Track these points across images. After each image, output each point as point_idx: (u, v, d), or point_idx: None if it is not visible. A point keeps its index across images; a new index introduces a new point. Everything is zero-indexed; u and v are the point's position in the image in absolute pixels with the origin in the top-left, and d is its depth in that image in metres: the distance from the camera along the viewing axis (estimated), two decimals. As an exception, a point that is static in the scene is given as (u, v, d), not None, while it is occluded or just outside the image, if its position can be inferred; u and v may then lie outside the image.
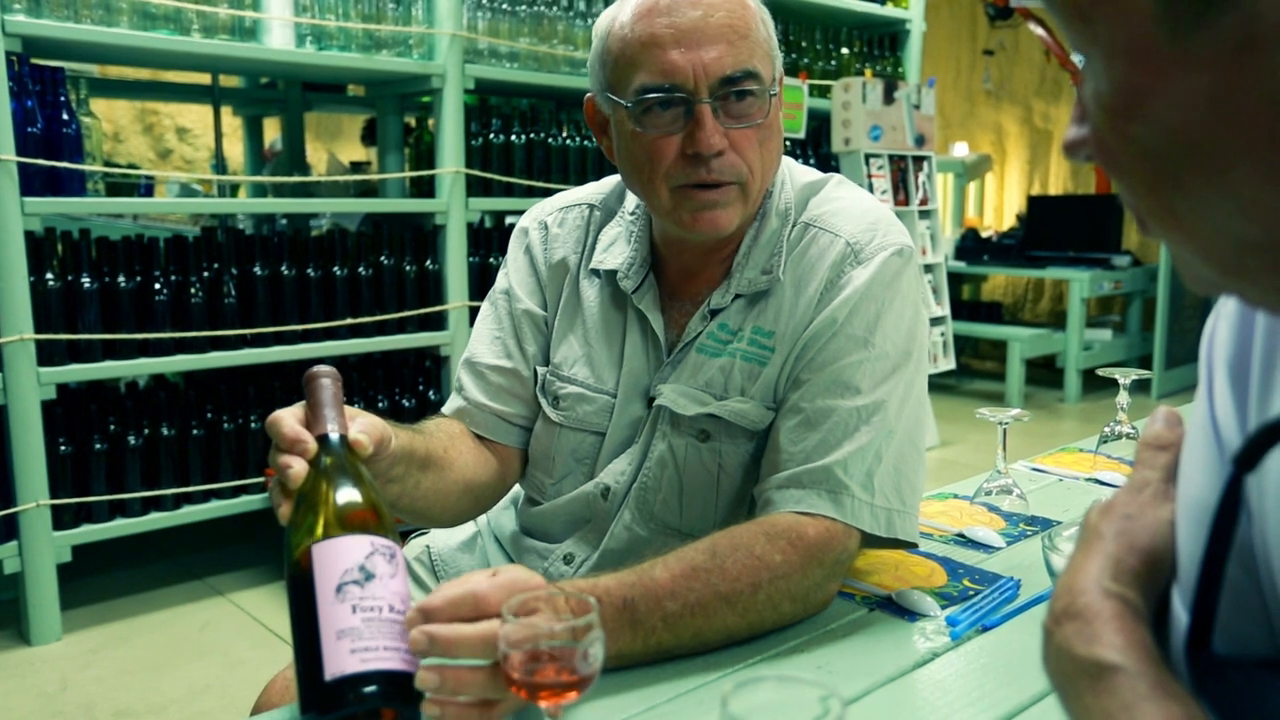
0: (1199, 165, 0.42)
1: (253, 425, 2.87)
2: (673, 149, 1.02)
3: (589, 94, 1.11)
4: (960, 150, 7.18)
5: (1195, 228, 0.44)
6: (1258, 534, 0.51)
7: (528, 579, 0.77)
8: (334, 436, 0.82)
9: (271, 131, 5.12)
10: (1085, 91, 0.46)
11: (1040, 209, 6.27)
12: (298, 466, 0.79)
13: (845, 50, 4.39)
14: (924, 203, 4.42)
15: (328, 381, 0.84)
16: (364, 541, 0.74)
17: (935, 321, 4.46)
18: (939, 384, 5.68)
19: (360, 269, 2.95)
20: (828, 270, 1.07)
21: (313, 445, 0.80)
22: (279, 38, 2.79)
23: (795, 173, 1.16)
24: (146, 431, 2.71)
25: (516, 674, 0.65)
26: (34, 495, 2.46)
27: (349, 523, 0.75)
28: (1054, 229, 6.03)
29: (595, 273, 1.18)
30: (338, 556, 0.73)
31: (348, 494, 0.78)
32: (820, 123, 4.29)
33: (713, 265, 1.13)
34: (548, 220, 1.23)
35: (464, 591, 0.73)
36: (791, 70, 4.11)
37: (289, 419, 0.82)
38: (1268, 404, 0.51)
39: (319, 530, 0.75)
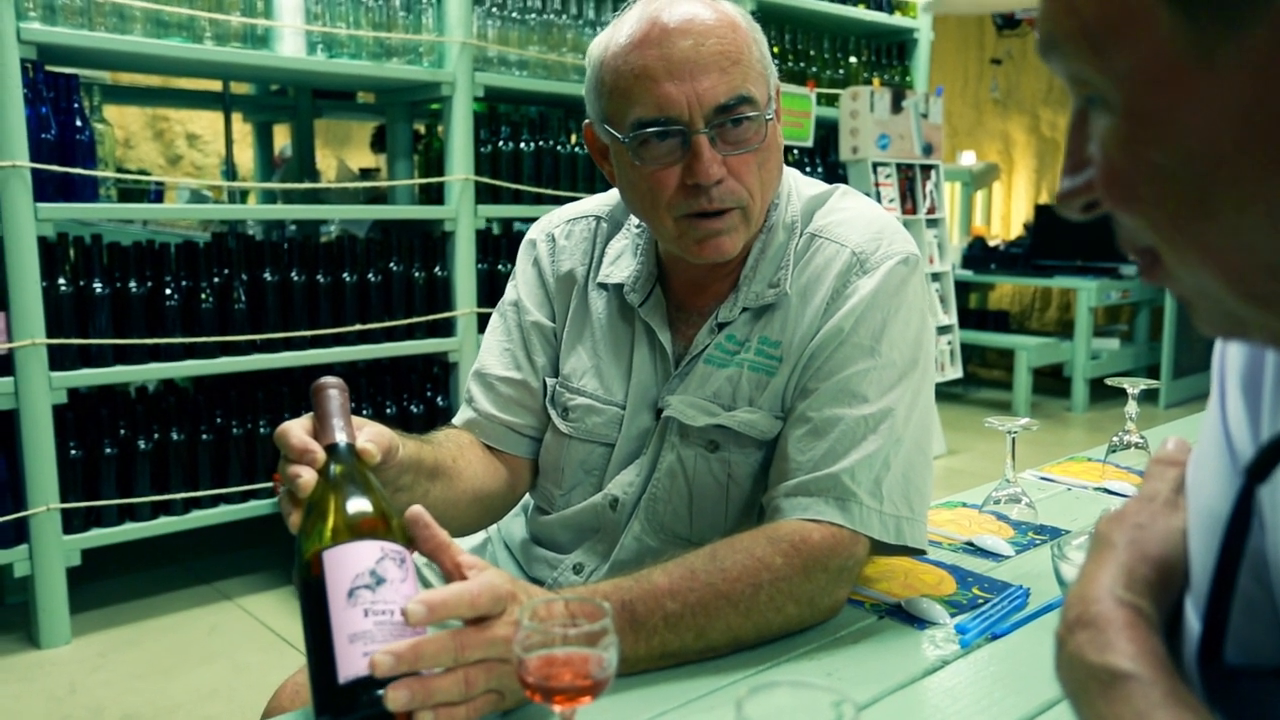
0: (1228, 185, 0.41)
1: (262, 430, 2.88)
2: (673, 180, 1.03)
3: (587, 121, 1.12)
4: (968, 159, 7.18)
5: (1222, 254, 0.43)
6: (1270, 544, 0.51)
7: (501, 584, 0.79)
8: (342, 445, 0.83)
9: (281, 138, 5.15)
10: (1093, 133, 0.45)
11: (1047, 218, 6.26)
12: (307, 475, 0.80)
13: (853, 59, 4.40)
14: (931, 211, 4.42)
15: (335, 392, 0.85)
16: (374, 546, 0.75)
17: (942, 330, 4.46)
18: (946, 393, 5.67)
19: (369, 275, 2.96)
20: (834, 280, 1.07)
21: (321, 454, 0.81)
22: (290, 45, 2.81)
23: (800, 185, 1.16)
24: (156, 436, 2.72)
25: (531, 678, 0.66)
26: (44, 499, 2.48)
27: (359, 528, 0.76)
28: (1061, 238, 6.03)
29: (603, 285, 1.19)
30: (349, 561, 0.74)
31: (357, 501, 0.78)
32: (828, 131, 4.30)
33: (719, 279, 1.13)
34: (555, 232, 1.24)
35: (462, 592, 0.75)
36: (799, 79, 4.12)
37: (297, 430, 0.83)
38: (1280, 415, 0.52)
39: (329, 537, 0.75)
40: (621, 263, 1.18)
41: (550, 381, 1.20)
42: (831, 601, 0.98)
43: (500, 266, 3.25)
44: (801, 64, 4.19)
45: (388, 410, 3.11)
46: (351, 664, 0.70)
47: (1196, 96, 0.40)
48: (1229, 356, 0.57)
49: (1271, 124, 0.38)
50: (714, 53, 1.00)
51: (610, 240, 1.21)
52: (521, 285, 1.24)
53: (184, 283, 2.68)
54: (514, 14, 3.19)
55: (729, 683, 0.88)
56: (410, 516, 0.78)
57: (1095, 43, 0.42)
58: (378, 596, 0.72)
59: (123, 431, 2.67)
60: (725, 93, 1.00)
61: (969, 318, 5.98)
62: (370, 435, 0.88)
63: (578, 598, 0.77)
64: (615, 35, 1.04)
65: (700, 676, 0.89)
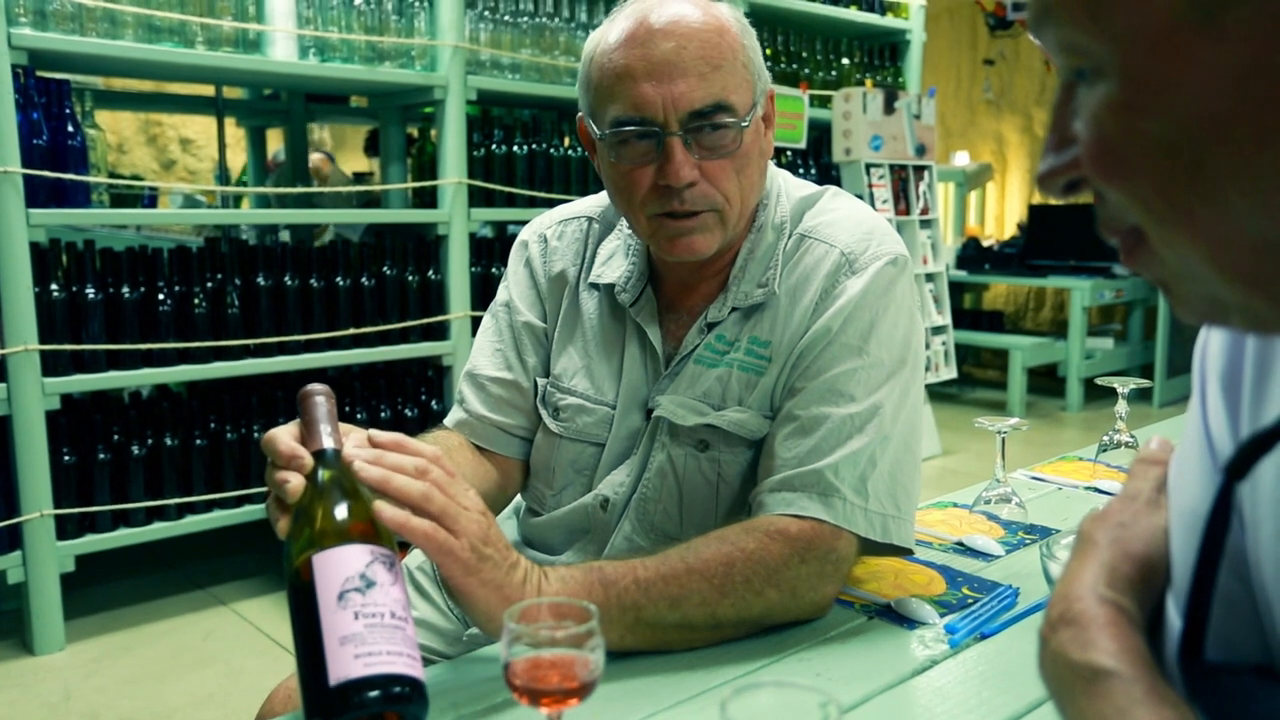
0: (1222, 154, 0.40)
1: (256, 435, 2.87)
2: (647, 179, 1.04)
3: (579, 114, 1.13)
4: (961, 159, 7.20)
5: (1211, 229, 0.42)
6: (1250, 542, 0.52)
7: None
8: (329, 451, 0.83)
9: (275, 142, 5.15)
10: (1080, 107, 0.45)
11: (1041, 218, 6.28)
12: (295, 481, 0.80)
13: (845, 60, 4.40)
14: (925, 212, 4.43)
15: (321, 399, 0.86)
16: (364, 550, 0.75)
17: (936, 330, 4.47)
18: (941, 393, 5.68)
19: (363, 279, 2.96)
20: (822, 280, 1.08)
21: (309, 460, 0.82)
22: (282, 50, 2.81)
23: (790, 186, 1.17)
24: (150, 441, 2.71)
25: (518, 680, 0.66)
26: (38, 505, 2.47)
27: (348, 533, 0.76)
28: (1055, 238, 6.04)
29: (594, 285, 1.20)
30: (339, 565, 0.74)
31: (345, 506, 0.79)
32: (821, 133, 4.30)
33: (709, 279, 1.14)
34: (547, 233, 1.25)
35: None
36: (792, 80, 4.12)
37: (284, 436, 0.84)
38: (1260, 414, 0.52)
39: (318, 541, 0.76)
40: (613, 263, 1.19)
41: (541, 381, 1.21)
42: (816, 596, 0.98)
43: (494, 270, 3.25)
44: (794, 65, 4.20)
45: (382, 414, 3.10)
46: (342, 666, 0.71)
47: (1196, 60, 0.39)
48: (1209, 356, 0.58)
49: (1269, 89, 0.38)
50: (695, 57, 1.00)
51: (602, 241, 1.22)
52: (513, 286, 1.24)
53: (177, 288, 2.68)
54: (506, 17, 3.19)
55: (718, 684, 0.88)
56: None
57: (1094, 5, 0.42)
58: (368, 599, 0.73)
59: (116, 437, 2.67)
60: (702, 98, 1.00)
61: (963, 318, 5.98)
62: (358, 441, 0.89)
63: (556, 580, 0.77)
64: (607, 32, 1.05)
65: (689, 679, 0.89)
